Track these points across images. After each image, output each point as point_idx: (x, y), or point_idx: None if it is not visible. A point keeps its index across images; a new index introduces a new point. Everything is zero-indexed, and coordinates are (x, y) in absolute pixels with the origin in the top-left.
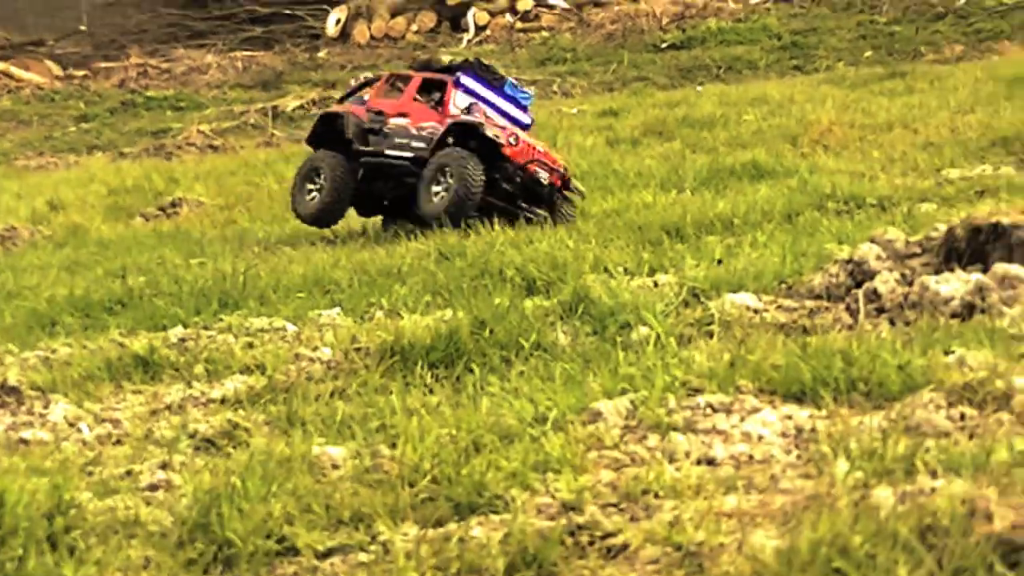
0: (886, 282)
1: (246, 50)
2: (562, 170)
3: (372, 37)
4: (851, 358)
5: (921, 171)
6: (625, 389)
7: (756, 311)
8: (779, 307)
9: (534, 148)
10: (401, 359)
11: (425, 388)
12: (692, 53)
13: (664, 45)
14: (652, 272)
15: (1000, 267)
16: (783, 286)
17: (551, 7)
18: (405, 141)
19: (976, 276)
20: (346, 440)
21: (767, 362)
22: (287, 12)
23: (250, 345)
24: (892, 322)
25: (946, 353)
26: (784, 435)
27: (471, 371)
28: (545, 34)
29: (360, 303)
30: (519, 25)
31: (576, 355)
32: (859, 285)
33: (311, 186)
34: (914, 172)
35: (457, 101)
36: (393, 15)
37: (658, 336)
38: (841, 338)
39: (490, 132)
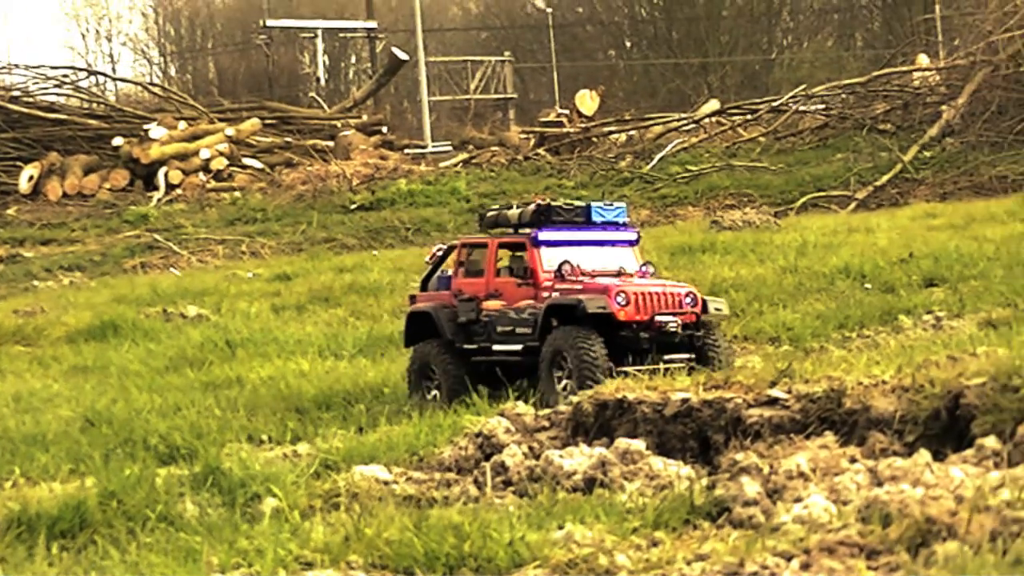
0: (514, 455)
1: None
2: (693, 304)
3: (64, 194)
4: (463, 533)
5: None
6: (239, 564)
7: (386, 483)
8: (409, 479)
9: (651, 295)
10: (28, 529)
11: (48, 560)
12: (381, 214)
13: (353, 206)
14: (296, 441)
15: (622, 442)
16: (415, 458)
17: (245, 167)
18: (509, 329)
19: (599, 450)
20: None
21: (381, 537)
22: None
23: None
24: (519, 495)
25: (560, 528)
26: None
27: (95, 543)
28: (237, 194)
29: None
30: (212, 184)
31: (202, 527)
32: (488, 458)
33: (428, 383)
34: None
35: (544, 264)
36: (86, 172)
37: (284, 509)
38: (458, 513)
39: (593, 306)
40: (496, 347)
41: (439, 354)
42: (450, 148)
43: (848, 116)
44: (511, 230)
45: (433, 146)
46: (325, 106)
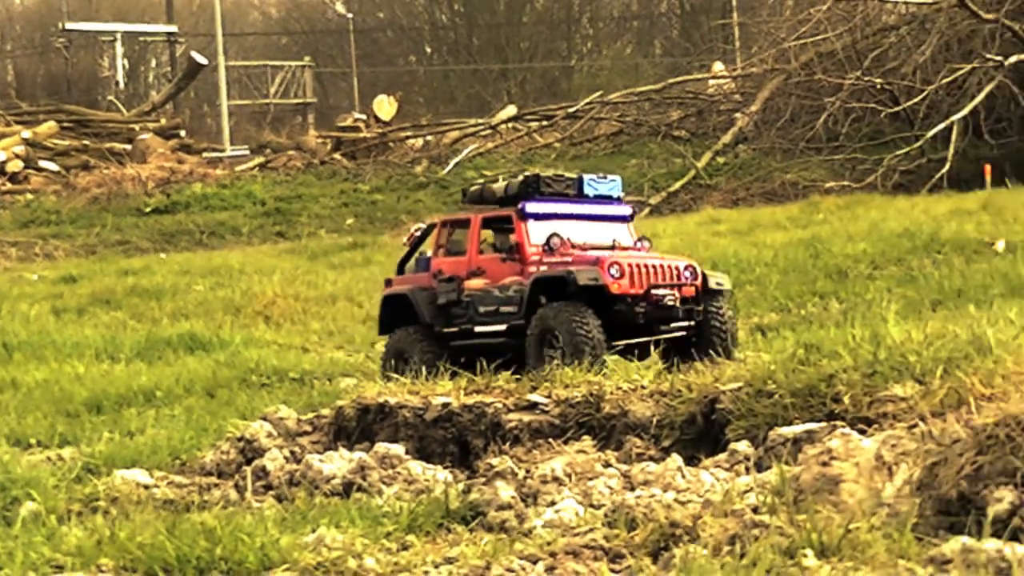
0: (275, 460)
1: None
2: (693, 277)
3: None
4: (216, 537)
5: (356, 344)
6: None
7: (147, 487)
8: (170, 483)
9: (647, 267)
10: None
11: None
12: (176, 218)
13: (148, 209)
14: (63, 445)
15: (382, 446)
16: (178, 462)
17: (41, 170)
18: (492, 309)
19: (359, 455)
20: None
21: (134, 540)
22: None
23: None
24: (279, 499)
25: (314, 531)
26: None
27: None
28: (31, 196)
29: None
30: (7, 186)
31: None
32: (250, 462)
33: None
34: (349, 345)
35: (532, 238)
36: None
37: (42, 513)
38: (212, 516)
39: (585, 278)
40: (479, 328)
41: (416, 340)
42: (248, 152)
43: (643, 123)
44: (496, 206)
45: (231, 150)
46: (124, 110)
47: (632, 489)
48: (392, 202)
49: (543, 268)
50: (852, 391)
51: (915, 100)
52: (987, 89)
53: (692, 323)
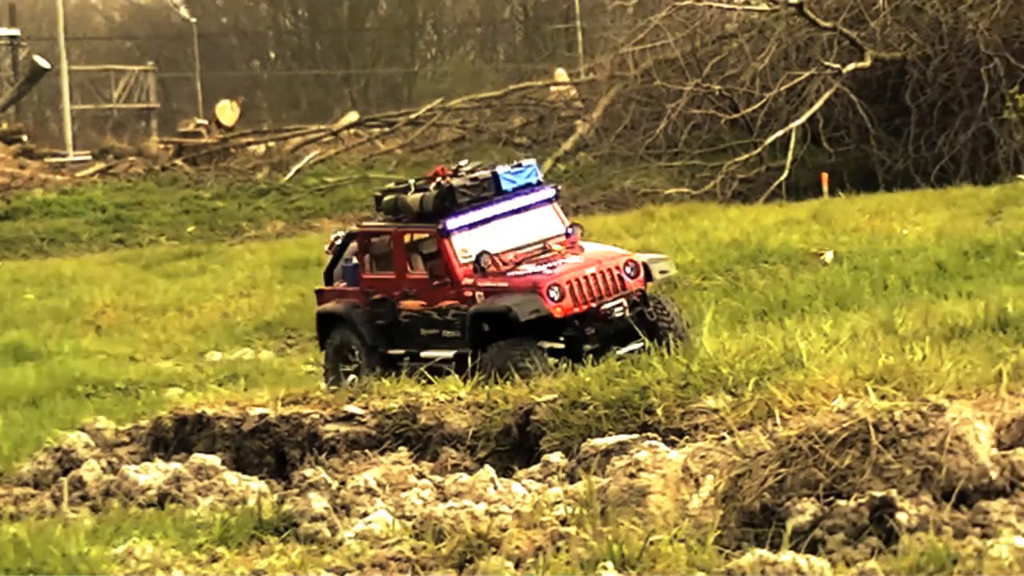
0: (92, 470)
1: None
2: (634, 273)
3: None
4: (25, 548)
5: (184, 355)
6: None
7: None
8: None
9: (587, 279)
10: None
11: None
12: (16, 224)
13: None
14: None
15: (197, 457)
16: None
17: None
18: (434, 332)
19: (175, 465)
20: None
21: None
22: None
23: None
24: (95, 510)
25: (126, 542)
26: None
27: None
28: None
29: None
30: None
31: None
32: (67, 473)
33: (347, 367)
34: (178, 355)
35: (460, 256)
36: None
37: None
38: (24, 528)
39: (526, 312)
40: (425, 354)
41: (360, 339)
42: (90, 157)
43: (485, 129)
44: (412, 218)
45: (74, 155)
46: None
47: (445, 500)
48: (233, 209)
49: (478, 293)
50: (665, 403)
51: (754, 107)
52: (825, 96)
53: (647, 342)
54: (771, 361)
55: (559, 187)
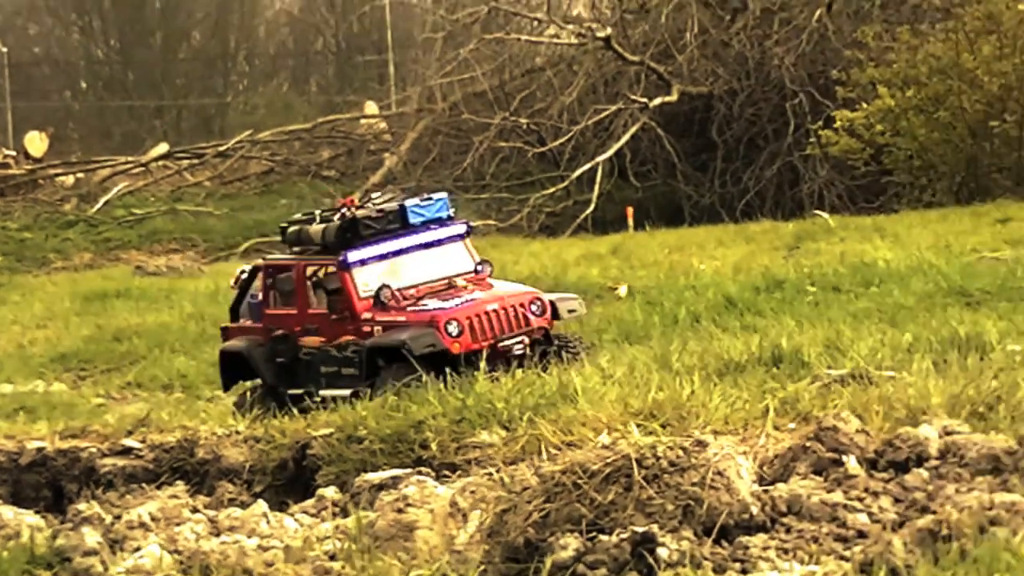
0: None
1: None
2: (540, 311)
3: None
4: None
5: None
6: None
7: None
8: None
9: (488, 316)
10: None
11: None
12: None
13: None
14: None
15: None
16: None
17: None
18: (334, 370)
19: None
20: None
21: None
22: None
23: None
24: None
25: None
26: None
27: None
28: None
29: None
30: None
31: None
32: None
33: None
34: None
35: (360, 290)
36: None
37: None
38: None
39: (421, 347)
40: (324, 393)
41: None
42: None
43: (294, 162)
44: (315, 249)
45: None
46: None
47: (218, 535)
48: (41, 240)
49: (377, 328)
50: (440, 437)
51: (561, 140)
52: (632, 130)
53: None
54: (545, 396)
55: (471, 224)
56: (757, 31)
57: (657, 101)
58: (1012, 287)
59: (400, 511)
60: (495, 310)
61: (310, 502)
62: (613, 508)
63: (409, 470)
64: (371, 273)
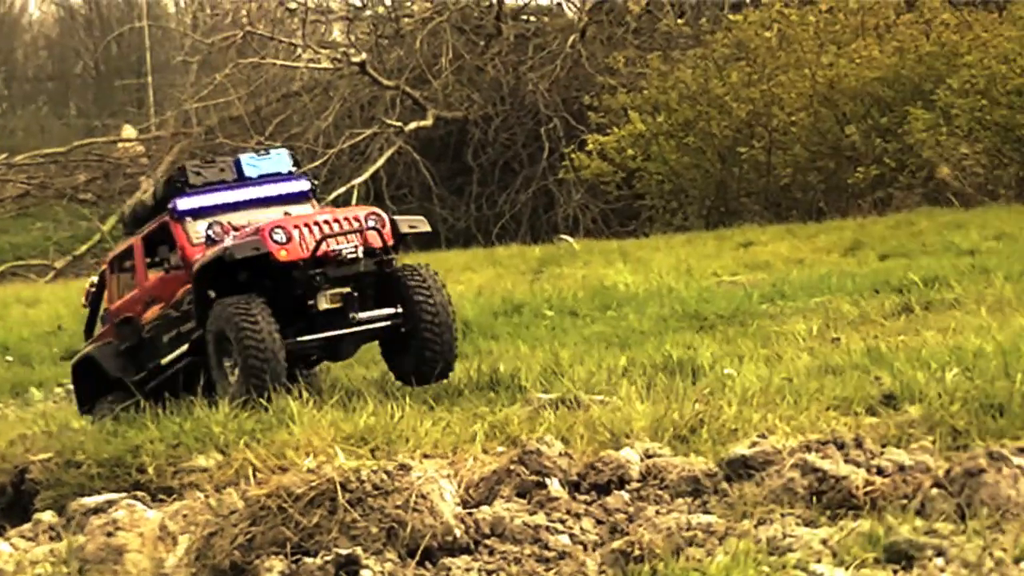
0: None
1: None
2: (379, 224)
3: None
4: None
5: None
6: None
7: None
8: None
9: (318, 223)
10: None
11: None
12: None
13: None
14: None
15: None
16: None
17: None
18: (174, 334)
19: None
20: None
21: None
22: None
23: None
24: None
25: None
26: None
27: None
28: None
29: None
30: None
31: None
32: None
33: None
34: None
35: (193, 238)
36: None
37: None
38: None
39: (243, 251)
40: (165, 360)
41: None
42: None
43: (50, 185)
44: (151, 220)
45: None
46: None
47: None
48: None
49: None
50: (157, 461)
51: (316, 163)
52: (387, 154)
53: (397, 312)
54: (262, 421)
55: (315, 181)
56: (512, 57)
57: (412, 125)
58: (745, 311)
59: (110, 535)
60: (326, 220)
61: (27, 526)
62: (318, 531)
63: (123, 494)
64: (204, 224)
